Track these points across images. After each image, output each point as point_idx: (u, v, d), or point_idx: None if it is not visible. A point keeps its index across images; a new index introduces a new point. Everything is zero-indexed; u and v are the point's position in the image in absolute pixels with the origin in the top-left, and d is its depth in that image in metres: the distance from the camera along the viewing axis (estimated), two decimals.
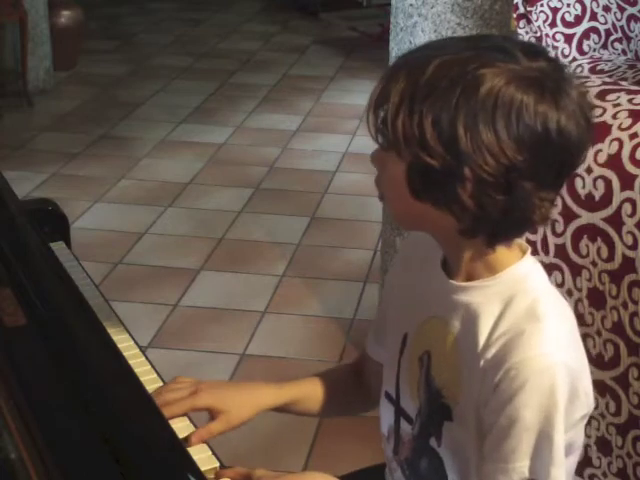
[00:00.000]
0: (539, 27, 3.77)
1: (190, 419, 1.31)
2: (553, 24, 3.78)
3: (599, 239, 1.94)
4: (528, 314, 1.14)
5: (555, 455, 1.11)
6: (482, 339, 1.16)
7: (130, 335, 1.51)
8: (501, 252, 1.17)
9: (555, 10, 3.77)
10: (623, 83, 2.36)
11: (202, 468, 1.17)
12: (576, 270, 1.99)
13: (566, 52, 3.78)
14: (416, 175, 1.10)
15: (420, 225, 1.19)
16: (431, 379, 1.25)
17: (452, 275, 1.21)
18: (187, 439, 1.26)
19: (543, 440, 1.10)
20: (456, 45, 1.12)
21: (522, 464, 1.11)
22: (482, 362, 1.15)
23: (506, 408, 1.11)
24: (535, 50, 1.11)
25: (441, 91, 1.06)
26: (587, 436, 1.95)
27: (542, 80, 1.07)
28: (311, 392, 1.46)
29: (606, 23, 3.78)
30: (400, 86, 1.08)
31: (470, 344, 1.17)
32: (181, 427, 1.27)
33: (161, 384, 1.40)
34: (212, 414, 1.33)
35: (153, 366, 1.44)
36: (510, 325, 1.14)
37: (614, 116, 1.97)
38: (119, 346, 1.39)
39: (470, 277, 1.19)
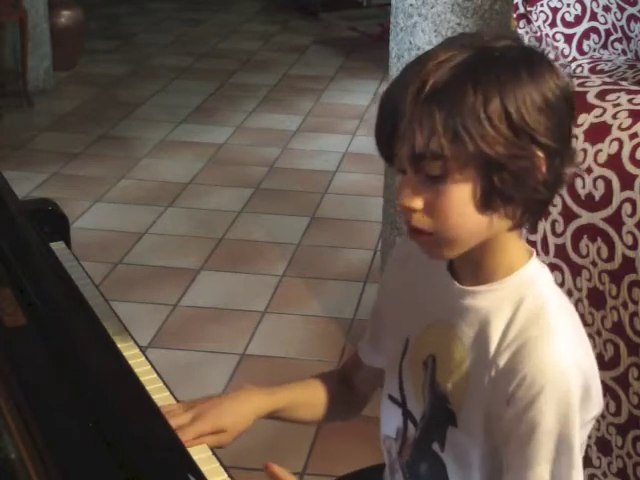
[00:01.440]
0: (539, 27, 3.77)
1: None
2: (553, 24, 3.78)
3: (599, 239, 1.94)
4: (537, 319, 1.14)
5: (574, 458, 1.12)
6: (493, 346, 1.15)
7: (130, 335, 1.51)
8: (516, 253, 1.18)
9: (555, 10, 3.77)
10: (623, 83, 2.36)
11: (202, 468, 1.17)
12: (576, 270, 1.99)
13: (566, 52, 3.78)
14: (493, 183, 1.09)
15: (477, 240, 1.15)
16: (436, 384, 1.24)
17: (459, 279, 1.21)
18: None
19: (562, 444, 1.10)
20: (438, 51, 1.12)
21: (542, 467, 1.11)
22: (493, 370, 1.14)
23: (525, 416, 1.10)
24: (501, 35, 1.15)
25: (484, 88, 1.06)
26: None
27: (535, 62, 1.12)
28: (301, 398, 1.45)
29: (606, 23, 3.78)
30: (440, 114, 1.06)
31: (480, 351, 1.17)
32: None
33: (161, 384, 1.40)
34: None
35: (153, 366, 1.44)
36: (520, 331, 1.14)
37: (614, 116, 1.97)
38: (119, 346, 1.39)
39: (478, 281, 1.19)
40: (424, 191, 1.11)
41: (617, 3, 3.76)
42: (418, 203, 1.12)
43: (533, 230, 1.21)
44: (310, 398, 1.46)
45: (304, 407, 1.45)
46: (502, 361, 1.14)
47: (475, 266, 1.18)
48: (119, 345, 1.39)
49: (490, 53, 1.10)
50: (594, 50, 3.76)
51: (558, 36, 3.78)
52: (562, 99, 1.11)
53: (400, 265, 1.36)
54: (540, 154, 1.09)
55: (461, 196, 1.10)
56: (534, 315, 1.14)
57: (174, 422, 1.29)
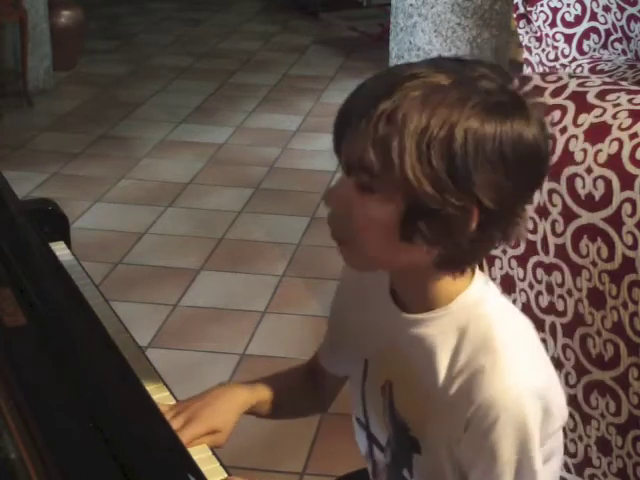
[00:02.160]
0: (539, 27, 3.77)
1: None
2: (553, 24, 3.78)
3: (599, 239, 1.94)
4: (484, 345, 1.10)
5: (537, 476, 1.10)
6: (442, 374, 1.12)
7: (130, 335, 1.51)
8: (450, 282, 1.13)
9: (555, 10, 3.78)
10: (623, 83, 2.36)
11: (202, 468, 1.17)
12: (576, 270, 1.99)
13: (566, 52, 3.78)
14: (416, 217, 1.03)
15: (392, 265, 1.12)
16: (395, 412, 1.21)
17: (403, 306, 1.17)
18: None
19: (523, 468, 1.09)
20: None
21: None
22: (447, 397, 1.12)
23: (483, 446, 1.09)
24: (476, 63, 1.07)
25: (440, 137, 1.00)
26: (587, 436, 1.95)
27: (504, 104, 1.03)
28: (274, 394, 1.43)
29: (606, 23, 3.78)
30: (382, 131, 1.01)
31: (431, 379, 1.14)
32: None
33: (161, 384, 1.40)
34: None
35: (153, 366, 1.43)
36: (468, 358, 1.10)
37: (614, 116, 1.97)
38: (119, 346, 1.39)
39: (423, 308, 1.15)
40: (350, 197, 1.07)
41: (617, 3, 3.76)
42: (340, 205, 1.09)
43: (461, 273, 1.15)
44: (280, 393, 1.44)
45: (274, 402, 1.43)
46: (453, 389, 1.11)
47: (414, 293, 1.15)
48: (119, 345, 1.39)
49: (465, 89, 1.02)
50: (594, 50, 3.77)
51: (558, 36, 3.78)
52: (524, 161, 1.03)
53: (351, 286, 1.32)
54: (474, 209, 1.02)
55: (381, 215, 1.05)
56: (480, 342, 1.10)
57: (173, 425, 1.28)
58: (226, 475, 1.23)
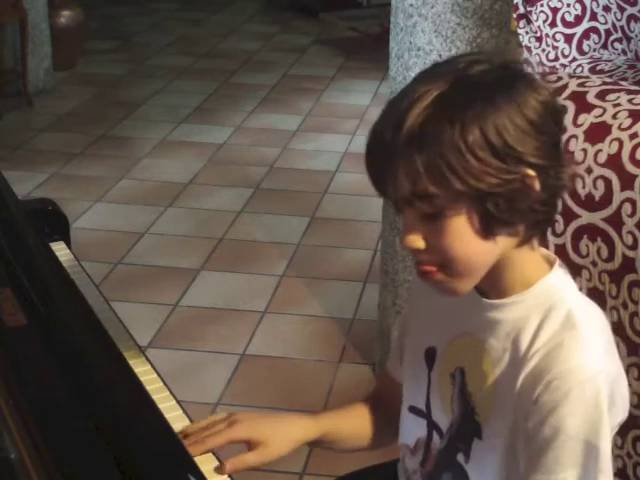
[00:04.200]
0: (539, 27, 3.77)
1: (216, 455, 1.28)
2: (553, 24, 3.78)
3: (599, 239, 1.94)
4: (565, 325, 1.14)
5: (603, 464, 1.11)
6: (520, 354, 1.15)
7: (130, 335, 1.51)
8: (534, 265, 1.18)
9: (555, 10, 3.77)
10: (623, 83, 2.36)
11: (202, 468, 1.17)
12: (576, 270, 1.99)
13: (566, 52, 3.78)
14: (489, 211, 1.08)
15: (488, 264, 1.15)
16: (468, 395, 1.24)
17: (483, 293, 1.21)
18: (220, 467, 1.23)
19: (589, 450, 1.10)
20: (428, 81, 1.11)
21: (566, 474, 1.10)
22: (520, 378, 1.14)
23: (549, 419, 1.10)
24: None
25: (470, 120, 1.06)
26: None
27: (503, 77, 1.10)
28: (345, 425, 1.41)
29: (606, 23, 3.78)
30: (421, 157, 1.06)
31: (508, 362, 1.17)
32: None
33: (161, 384, 1.39)
34: (250, 446, 1.29)
35: (153, 366, 1.43)
36: (548, 337, 1.14)
37: (614, 116, 1.97)
38: (119, 346, 1.39)
39: (503, 294, 1.19)
40: (423, 229, 1.11)
41: (617, 3, 3.76)
42: (420, 243, 1.12)
43: (542, 241, 1.21)
44: (354, 424, 1.42)
45: (348, 434, 1.42)
46: (529, 367, 1.13)
47: (493, 281, 1.18)
48: (119, 345, 1.39)
49: (465, 83, 1.08)
50: (594, 50, 3.76)
51: (558, 36, 3.78)
52: (545, 115, 1.10)
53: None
54: (532, 173, 1.08)
55: (460, 228, 1.10)
56: (561, 322, 1.14)
57: (211, 426, 1.27)
58: (226, 475, 1.23)
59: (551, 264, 1.20)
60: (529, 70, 1.13)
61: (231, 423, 1.29)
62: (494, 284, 1.18)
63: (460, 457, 1.24)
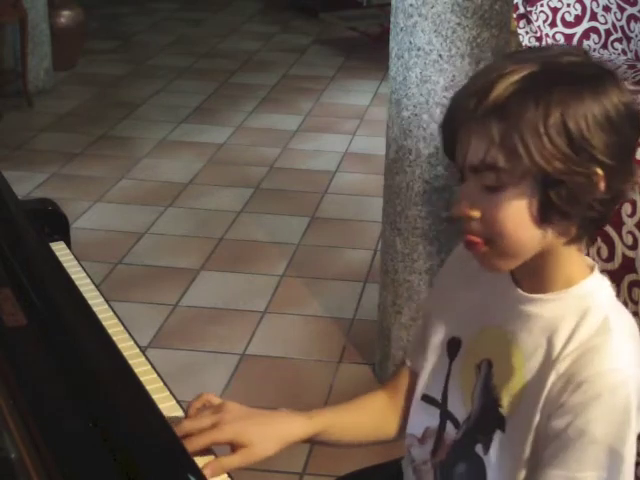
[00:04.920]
0: (539, 27, 3.77)
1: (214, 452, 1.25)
2: (553, 24, 3.78)
3: (599, 239, 1.94)
4: (600, 329, 1.14)
5: (625, 471, 1.12)
6: (554, 353, 1.16)
7: (130, 335, 1.51)
8: (577, 266, 1.19)
9: (555, 10, 3.78)
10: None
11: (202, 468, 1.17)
12: None
13: None
14: (550, 197, 1.09)
15: (531, 252, 1.16)
16: (491, 388, 1.24)
17: (518, 283, 1.21)
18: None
19: (613, 456, 1.10)
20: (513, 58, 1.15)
21: (586, 474, 1.11)
22: (551, 377, 1.15)
23: (576, 421, 1.10)
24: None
25: (556, 99, 1.07)
26: None
27: (593, 73, 1.12)
28: (347, 418, 1.38)
29: (606, 23, 3.78)
30: (498, 127, 1.08)
31: (540, 358, 1.17)
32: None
33: (161, 384, 1.39)
34: (234, 447, 1.24)
35: (153, 366, 1.43)
36: (583, 340, 1.14)
37: None
38: (119, 346, 1.39)
39: (542, 288, 1.19)
40: (481, 200, 1.13)
41: (617, 3, 3.76)
42: (475, 212, 1.14)
43: (591, 242, 1.22)
44: (354, 419, 1.40)
45: (350, 428, 1.39)
46: (562, 368, 1.14)
47: (534, 275, 1.19)
48: (119, 345, 1.39)
49: (555, 68, 1.11)
50: (594, 50, 3.76)
51: (558, 36, 3.78)
52: (625, 116, 1.11)
53: (461, 264, 1.34)
54: (599, 171, 1.09)
55: (517, 208, 1.11)
56: (598, 326, 1.15)
57: (195, 424, 1.24)
58: (226, 475, 1.23)
59: (591, 269, 1.21)
60: (616, 73, 1.15)
61: (215, 424, 1.25)
62: (535, 276, 1.19)
63: (479, 448, 1.24)
